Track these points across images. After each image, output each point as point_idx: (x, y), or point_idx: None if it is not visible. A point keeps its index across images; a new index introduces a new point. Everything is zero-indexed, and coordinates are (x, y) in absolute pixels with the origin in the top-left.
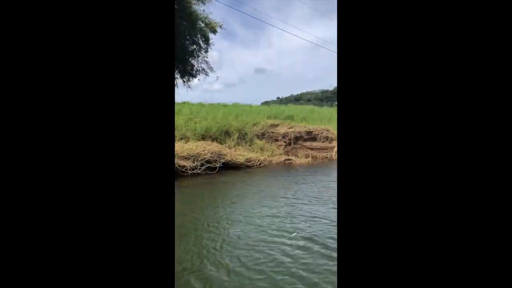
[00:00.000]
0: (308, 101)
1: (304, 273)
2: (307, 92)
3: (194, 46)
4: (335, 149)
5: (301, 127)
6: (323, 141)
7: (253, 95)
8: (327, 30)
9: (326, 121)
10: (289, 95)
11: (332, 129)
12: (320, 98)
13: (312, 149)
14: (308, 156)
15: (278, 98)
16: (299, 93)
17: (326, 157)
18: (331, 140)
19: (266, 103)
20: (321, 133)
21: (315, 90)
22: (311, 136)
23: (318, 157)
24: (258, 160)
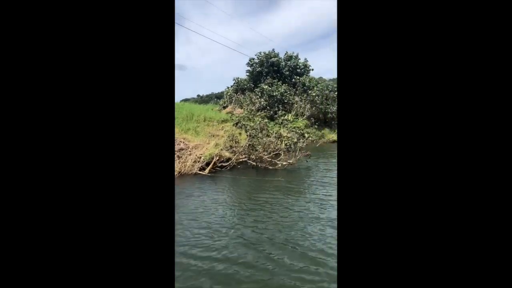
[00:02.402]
0: None
1: None
2: None
3: None
4: (189, 161)
5: None
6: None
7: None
8: (243, 33)
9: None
10: (210, 93)
11: (193, 138)
12: None
13: None
14: None
15: (198, 95)
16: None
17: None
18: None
19: (185, 100)
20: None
21: None
22: None
23: None
24: None
